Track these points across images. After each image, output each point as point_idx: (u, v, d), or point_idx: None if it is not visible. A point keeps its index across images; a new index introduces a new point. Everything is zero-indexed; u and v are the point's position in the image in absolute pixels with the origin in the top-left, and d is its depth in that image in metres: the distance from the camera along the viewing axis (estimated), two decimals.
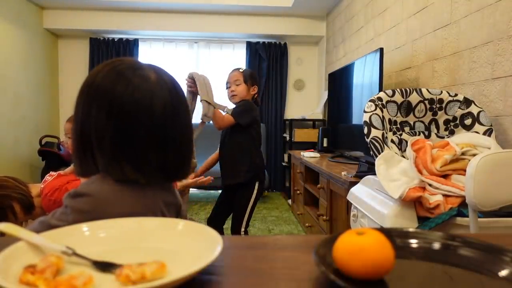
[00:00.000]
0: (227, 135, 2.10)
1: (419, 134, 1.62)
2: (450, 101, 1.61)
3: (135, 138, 0.64)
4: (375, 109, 1.55)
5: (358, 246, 0.42)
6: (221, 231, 2.20)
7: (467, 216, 1.07)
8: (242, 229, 2.06)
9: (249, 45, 4.72)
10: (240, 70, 2.13)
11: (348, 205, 1.83)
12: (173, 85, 0.69)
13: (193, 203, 4.07)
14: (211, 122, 1.95)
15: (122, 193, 0.65)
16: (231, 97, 2.11)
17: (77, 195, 0.64)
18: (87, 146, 0.65)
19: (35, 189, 1.38)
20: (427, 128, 1.65)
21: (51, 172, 1.46)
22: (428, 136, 1.62)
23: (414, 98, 1.61)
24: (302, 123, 4.49)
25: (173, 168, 0.69)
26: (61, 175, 1.42)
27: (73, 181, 1.39)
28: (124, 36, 4.62)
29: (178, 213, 0.78)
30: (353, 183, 1.70)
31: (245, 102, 2.08)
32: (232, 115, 2.01)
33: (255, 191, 2.09)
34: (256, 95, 2.18)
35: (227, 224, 2.21)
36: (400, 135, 1.60)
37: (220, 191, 2.33)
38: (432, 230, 0.55)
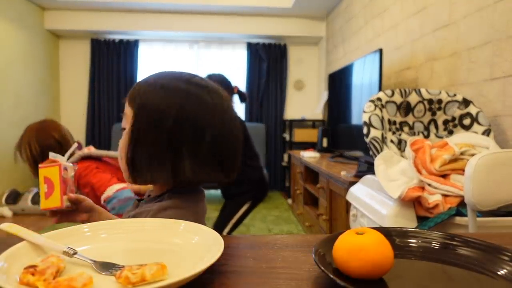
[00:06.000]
0: None
1: (418, 134, 1.63)
2: (449, 101, 1.61)
3: (211, 143, 0.66)
4: (375, 109, 1.56)
5: (357, 246, 0.42)
6: None
7: (466, 216, 1.07)
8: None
9: (249, 46, 4.73)
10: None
11: (348, 204, 1.83)
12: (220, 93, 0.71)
13: None
14: None
15: (195, 200, 0.70)
16: None
17: (162, 209, 0.66)
18: (176, 153, 0.65)
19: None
20: (426, 128, 1.65)
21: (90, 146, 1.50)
22: (427, 136, 1.63)
23: (413, 98, 1.62)
24: (302, 123, 4.50)
25: (230, 164, 0.71)
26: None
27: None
28: (124, 37, 4.62)
29: None
30: (353, 183, 1.70)
31: None
32: None
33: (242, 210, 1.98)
34: None
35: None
36: (400, 135, 1.61)
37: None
38: (431, 230, 0.55)
